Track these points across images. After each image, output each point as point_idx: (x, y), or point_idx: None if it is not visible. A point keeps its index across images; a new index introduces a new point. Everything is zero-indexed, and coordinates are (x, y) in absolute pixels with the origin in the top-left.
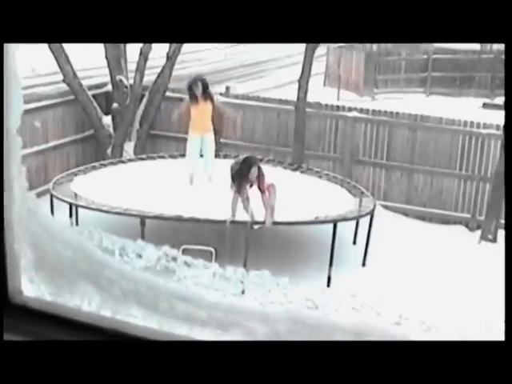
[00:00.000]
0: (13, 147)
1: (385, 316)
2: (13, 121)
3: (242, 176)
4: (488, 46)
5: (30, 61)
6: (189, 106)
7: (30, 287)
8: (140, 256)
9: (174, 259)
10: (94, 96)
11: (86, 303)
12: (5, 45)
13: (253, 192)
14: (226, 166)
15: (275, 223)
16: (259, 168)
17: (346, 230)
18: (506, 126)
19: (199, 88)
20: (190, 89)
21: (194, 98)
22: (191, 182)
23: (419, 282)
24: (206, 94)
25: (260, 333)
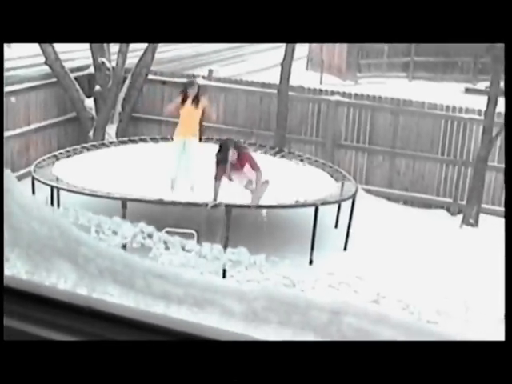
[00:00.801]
0: None
1: (362, 294)
2: None
3: (222, 161)
4: None
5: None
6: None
7: (6, 265)
8: (116, 233)
9: (150, 236)
10: (76, 78)
11: (62, 281)
12: None
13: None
14: (207, 149)
15: (256, 206)
16: (240, 148)
17: (327, 213)
18: (506, 125)
19: (194, 90)
20: (184, 88)
21: (184, 98)
22: (172, 187)
23: (400, 264)
24: (198, 99)
25: (237, 311)
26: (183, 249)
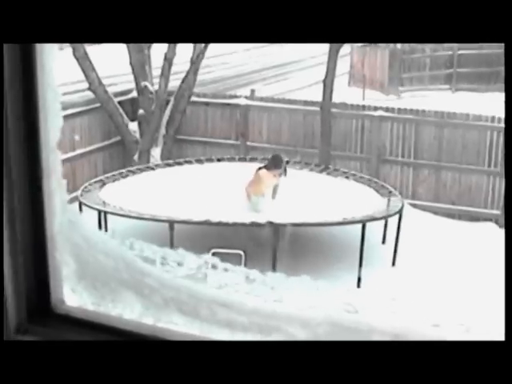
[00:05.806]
0: (52, 160)
1: (423, 318)
2: (51, 134)
3: None
4: None
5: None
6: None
7: (73, 297)
8: (181, 264)
9: (215, 267)
10: (119, 103)
11: (127, 311)
12: (40, 59)
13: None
14: (251, 169)
15: (303, 224)
16: None
17: (374, 229)
18: (506, 125)
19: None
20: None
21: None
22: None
23: (451, 281)
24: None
25: (300, 337)
26: (247, 278)
